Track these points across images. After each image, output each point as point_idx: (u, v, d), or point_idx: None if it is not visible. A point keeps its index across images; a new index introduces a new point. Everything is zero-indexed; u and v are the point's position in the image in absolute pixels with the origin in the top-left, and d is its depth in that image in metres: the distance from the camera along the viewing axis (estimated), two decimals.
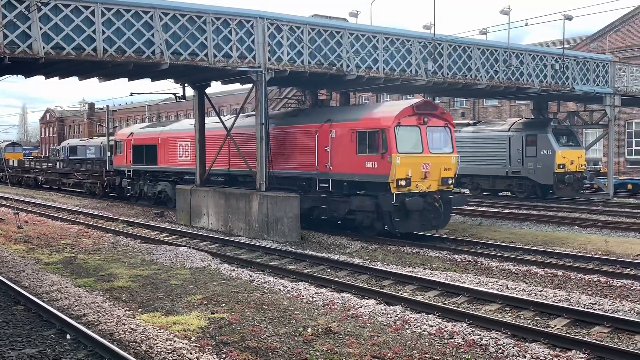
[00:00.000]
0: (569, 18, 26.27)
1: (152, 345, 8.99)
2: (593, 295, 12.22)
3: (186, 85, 23.83)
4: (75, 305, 11.37)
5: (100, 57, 17.22)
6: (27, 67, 18.20)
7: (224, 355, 8.64)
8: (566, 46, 31.62)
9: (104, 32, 17.17)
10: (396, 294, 12.10)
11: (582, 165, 30.92)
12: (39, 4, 15.97)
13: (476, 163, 32.19)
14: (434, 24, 23.81)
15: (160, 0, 18.26)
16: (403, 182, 18.09)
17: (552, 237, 19.31)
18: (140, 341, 9.18)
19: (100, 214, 27.46)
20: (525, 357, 8.48)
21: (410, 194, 18.14)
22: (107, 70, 19.64)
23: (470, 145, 32.80)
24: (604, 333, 9.67)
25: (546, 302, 11.21)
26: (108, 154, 55.43)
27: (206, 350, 8.84)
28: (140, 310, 11.14)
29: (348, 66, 21.48)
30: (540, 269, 14.65)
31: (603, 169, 40.23)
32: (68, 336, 9.49)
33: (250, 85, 21.43)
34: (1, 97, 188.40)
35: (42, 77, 21.37)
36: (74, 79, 21.58)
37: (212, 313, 10.75)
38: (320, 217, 20.92)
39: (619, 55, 40.99)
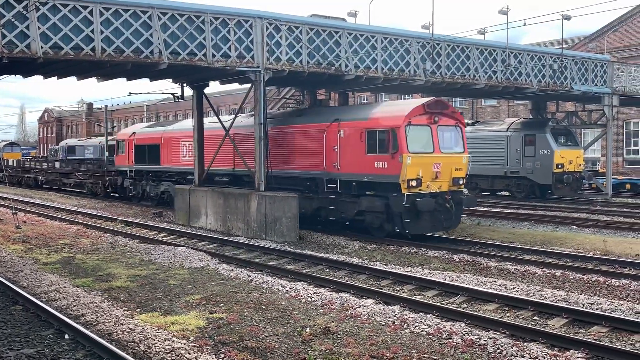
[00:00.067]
0: (568, 18, 26.30)
1: (150, 345, 8.99)
2: (591, 295, 12.23)
3: (185, 85, 23.81)
4: (74, 305, 11.36)
5: (99, 56, 17.21)
6: (25, 66, 18.19)
7: (222, 355, 8.63)
8: (565, 46, 31.65)
9: (102, 32, 17.16)
10: (395, 293, 12.10)
11: (580, 165, 30.95)
12: (37, 4, 15.95)
13: (475, 163, 32.13)
14: (433, 24, 23.84)
15: (158, 0, 18.25)
16: (414, 183, 17.82)
17: (551, 236, 19.32)
18: (138, 341, 9.18)
19: (98, 213, 27.45)
20: (523, 356, 8.48)
21: (421, 195, 17.86)
22: (105, 70, 19.64)
23: (469, 145, 32.70)
24: (603, 333, 9.68)
25: (545, 301, 11.22)
26: (106, 153, 55.40)
27: (204, 350, 8.84)
28: (138, 310, 11.14)
29: (347, 66, 21.48)
30: (538, 268, 14.66)
31: (601, 168, 40.28)
32: (66, 336, 9.48)
33: (248, 85, 21.43)
34: None
35: (40, 77, 21.36)
36: (73, 78, 21.59)
37: (211, 313, 10.75)
38: (328, 218, 20.67)
39: (618, 55, 41.05)
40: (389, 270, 14.20)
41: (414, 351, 8.75)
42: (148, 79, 22.59)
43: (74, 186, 41.83)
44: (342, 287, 12.68)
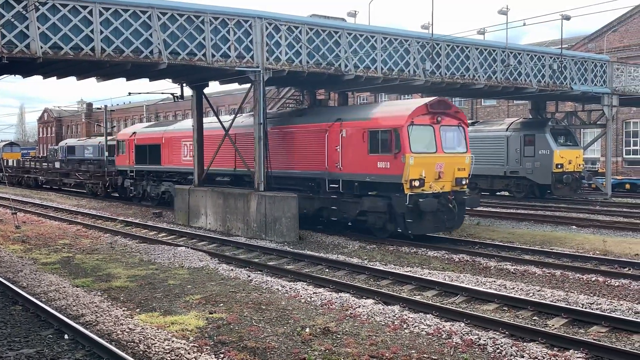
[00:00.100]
0: (567, 18, 26.31)
1: (150, 345, 8.99)
2: (591, 295, 12.23)
3: (184, 85, 23.80)
4: (73, 305, 11.36)
5: (98, 57, 17.21)
6: (24, 66, 18.19)
7: (222, 355, 8.64)
8: (564, 46, 31.65)
9: (102, 32, 17.16)
10: (394, 293, 12.10)
11: (580, 165, 30.96)
12: (37, 4, 15.96)
13: (474, 163, 32.13)
14: (432, 24, 23.85)
15: (158, 0, 18.25)
16: (417, 183, 17.71)
17: (550, 236, 19.32)
18: (138, 341, 9.18)
19: (98, 214, 27.45)
20: (523, 356, 8.48)
21: (424, 195, 17.76)
22: (105, 70, 19.64)
23: None
24: (602, 333, 9.68)
25: (544, 301, 11.23)
26: (106, 153, 55.40)
27: (204, 350, 8.84)
28: (138, 310, 11.14)
29: (346, 66, 21.48)
30: (538, 268, 14.66)
31: (601, 168, 40.29)
32: (66, 336, 9.48)
33: (248, 85, 21.43)
34: None
35: (40, 77, 21.36)
36: (72, 78, 21.58)
37: (210, 313, 10.75)
38: (330, 218, 20.54)
39: (617, 55, 41.08)
40: (389, 270, 14.21)
41: (413, 351, 8.76)
42: (148, 79, 22.59)
43: (74, 186, 41.70)
44: (341, 287, 12.68)
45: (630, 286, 12.89)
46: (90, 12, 17.00)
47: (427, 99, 19.19)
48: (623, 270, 14.31)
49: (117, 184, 35.01)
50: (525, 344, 8.95)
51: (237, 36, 19.42)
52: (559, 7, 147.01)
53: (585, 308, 10.93)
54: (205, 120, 25.07)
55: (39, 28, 16.29)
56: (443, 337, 9.39)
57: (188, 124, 28.76)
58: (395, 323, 10.08)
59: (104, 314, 10.72)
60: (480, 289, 12.27)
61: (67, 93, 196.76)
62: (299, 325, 9.97)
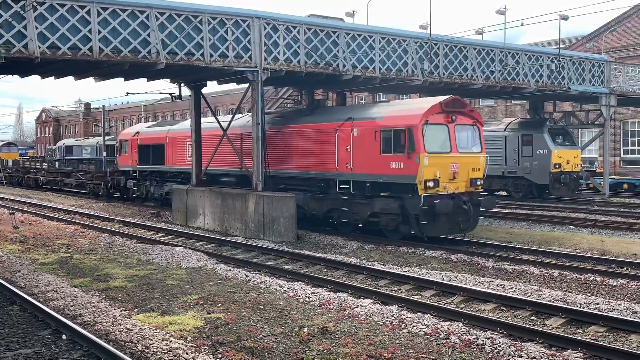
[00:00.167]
0: (565, 18, 26.34)
1: (148, 345, 8.98)
2: (589, 294, 12.24)
3: (182, 85, 23.80)
4: (71, 306, 11.35)
5: (96, 56, 17.20)
6: (22, 66, 18.17)
7: (220, 356, 8.63)
8: (562, 46, 31.68)
9: (99, 32, 17.15)
10: (392, 293, 12.10)
11: (578, 165, 30.98)
12: (35, 4, 15.94)
13: None
14: (430, 24, 23.90)
15: (156, 0, 18.24)
16: (431, 184, 17.26)
17: (548, 236, 19.34)
18: (136, 341, 9.17)
19: (96, 214, 27.42)
20: (521, 356, 8.49)
21: (439, 196, 17.32)
22: (102, 70, 19.63)
23: None
24: (600, 332, 9.69)
25: (542, 301, 11.23)
26: (104, 153, 55.38)
27: (202, 350, 8.83)
28: (136, 310, 11.13)
29: (344, 66, 21.49)
30: (536, 268, 14.67)
31: (599, 168, 40.32)
32: (64, 336, 9.47)
33: (246, 85, 21.42)
34: None
35: (37, 77, 21.34)
36: (70, 78, 21.58)
37: (208, 313, 10.74)
38: (340, 219, 20.09)
39: (615, 55, 41.13)
40: (387, 270, 14.21)
41: (411, 351, 8.76)
42: (146, 79, 22.58)
43: (75, 187, 41.21)
44: (339, 287, 12.69)
45: (628, 286, 12.91)
46: (88, 12, 17.00)
47: (441, 98, 18.65)
48: (621, 270, 14.32)
49: (119, 184, 34.53)
50: (523, 343, 8.96)
51: (235, 36, 19.42)
52: (556, 7, 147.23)
53: (583, 308, 10.93)
54: (211, 120, 24.86)
55: (36, 28, 16.28)
56: (441, 337, 9.40)
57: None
58: (394, 323, 10.08)
59: (102, 314, 10.71)
60: (478, 288, 12.27)
61: (65, 93, 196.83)
62: (297, 325, 9.97)
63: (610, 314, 10.40)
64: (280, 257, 16.56)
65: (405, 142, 17.58)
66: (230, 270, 14.59)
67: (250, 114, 23.81)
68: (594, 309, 10.91)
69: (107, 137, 57.84)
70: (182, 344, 9.00)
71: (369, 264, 15.20)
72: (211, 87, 26.89)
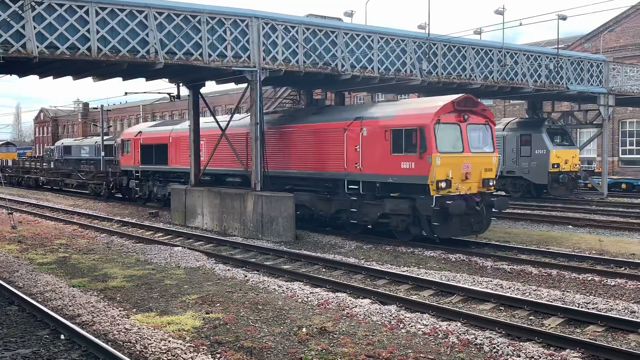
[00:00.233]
0: (563, 18, 26.37)
1: (146, 345, 8.98)
2: (587, 294, 12.25)
3: (181, 84, 23.79)
4: (70, 306, 11.35)
5: (95, 56, 17.18)
6: (21, 66, 18.15)
7: (218, 355, 8.63)
8: (560, 46, 31.70)
9: (98, 32, 17.14)
10: (391, 293, 12.11)
11: (576, 165, 31.02)
12: (33, 4, 15.93)
13: None
14: (429, 24, 23.88)
15: None
16: (443, 184, 16.89)
17: (547, 236, 19.35)
18: (134, 341, 9.16)
19: (94, 213, 27.40)
20: (519, 356, 8.49)
21: (451, 197, 16.98)
22: (101, 69, 19.62)
23: None
24: (598, 332, 9.70)
25: (540, 301, 11.24)
26: (102, 153, 55.35)
27: (201, 350, 8.83)
28: (134, 310, 11.12)
29: (343, 66, 21.49)
30: (534, 268, 14.68)
31: (597, 168, 40.35)
32: (62, 336, 9.47)
33: (245, 85, 21.42)
34: None
35: (36, 77, 21.33)
36: (68, 78, 21.58)
37: (207, 313, 10.74)
38: (349, 220, 19.76)
39: (613, 55, 41.15)
40: (386, 270, 14.21)
41: (410, 351, 8.76)
42: (144, 79, 22.56)
43: (76, 187, 40.87)
44: (338, 286, 12.69)
45: (626, 285, 12.92)
46: (87, 12, 16.99)
47: (453, 96, 18.30)
48: (619, 270, 14.33)
49: (121, 184, 34.17)
50: (521, 343, 8.97)
51: (233, 36, 19.42)
52: (555, 7, 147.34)
53: (582, 307, 10.94)
54: (219, 118, 24.63)
55: (35, 28, 16.27)
56: (439, 336, 9.40)
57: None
58: (392, 323, 10.08)
59: (101, 314, 10.71)
60: (477, 288, 12.28)
61: (64, 93, 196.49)
62: (296, 325, 9.97)
63: (609, 314, 10.41)
64: (279, 257, 16.56)
65: (417, 142, 17.25)
66: (228, 270, 14.59)
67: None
68: (592, 308, 10.92)
69: (105, 137, 57.83)
70: (181, 344, 9.00)
71: (368, 264, 15.20)
72: (210, 87, 26.93)
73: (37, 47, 16.32)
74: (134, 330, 9.66)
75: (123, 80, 22.49)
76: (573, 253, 16.43)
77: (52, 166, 56.10)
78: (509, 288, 12.51)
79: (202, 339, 9.34)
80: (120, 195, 35.11)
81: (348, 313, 10.67)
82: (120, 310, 11.02)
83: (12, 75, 20.70)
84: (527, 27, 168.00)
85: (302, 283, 13.16)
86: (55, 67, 19.17)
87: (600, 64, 30.87)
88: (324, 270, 14.86)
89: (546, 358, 8.43)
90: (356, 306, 11.04)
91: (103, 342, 8.91)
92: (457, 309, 10.83)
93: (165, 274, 14.19)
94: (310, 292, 12.14)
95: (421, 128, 17.19)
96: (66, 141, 76.03)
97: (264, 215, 19.63)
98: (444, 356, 8.60)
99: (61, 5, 16.66)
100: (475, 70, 25.03)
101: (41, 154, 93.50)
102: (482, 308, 11.20)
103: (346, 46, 21.56)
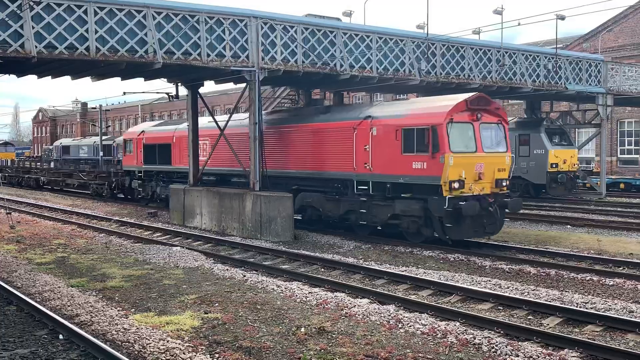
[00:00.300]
0: (562, 18, 26.39)
1: (145, 345, 8.97)
2: (585, 294, 12.27)
3: (179, 84, 23.77)
4: (68, 306, 11.34)
5: (93, 56, 17.17)
6: (19, 66, 18.14)
7: (217, 355, 8.63)
8: (559, 46, 31.72)
9: (96, 32, 17.13)
10: (390, 293, 12.12)
11: (574, 165, 31.05)
12: (31, 3, 15.92)
13: None
14: (427, 24, 23.88)
15: None
16: (456, 185, 16.51)
17: (545, 236, 19.37)
18: (133, 341, 9.16)
19: (93, 213, 27.39)
20: (518, 355, 8.50)
21: (464, 197, 16.59)
22: (99, 69, 19.61)
23: None
24: (597, 332, 9.71)
25: (539, 301, 11.24)
26: (101, 153, 55.31)
27: (199, 350, 8.83)
28: (133, 310, 11.12)
29: (341, 66, 21.49)
30: (533, 268, 14.69)
31: (595, 168, 40.38)
32: (61, 336, 9.46)
33: (243, 85, 21.41)
34: None
35: (34, 77, 21.30)
36: (67, 78, 21.55)
37: (206, 313, 10.74)
38: (358, 222, 19.45)
39: (612, 55, 41.17)
40: (384, 269, 14.21)
41: (408, 350, 8.76)
42: (143, 79, 22.55)
43: (78, 187, 40.55)
44: (337, 286, 12.69)
45: (624, 285, 12.93)
46: (85, 12, 16.98)
47: (466, 95, 17.94)
48: (617, 270, 14.35)
49: (123, 184, 33.84)
50: (520, 343, 8.97)
51: (232, 36, 19.41)
52: (553, 7, 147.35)
53: (580, 307, 10.95)
54: (221, 118, 24.50)
55: (33, 27, 16.25)
56: (438, 336, 9.40)
57: (203, 121, 26.64)
58: (391, 322, 10.09)
59: (99, 314, 10.70)
60: (475, 288, 12.28)
61: (62, 93, 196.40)
62: (294, 325, 9.97)
63: (607, 314, 10.42)
64: (278, 256, 16.56)
65: (429, 142, 16.85)
66: (227, 270, 14.59)
67: (264, 111, 23.56)
68: (591, 308, 10.93)
69: (104, 137, 57.80)
70: (179, 344, 8.99)
71: (366, 264, 15.20)
72: (208, 87, 26.91)
73: (36, 46, 16.30)
74: (132, 330, 9.66)
75: (122, 80, 22.48)
76: (571, 253, 16.45)
77: (52, 166, 55.94)
78: (508, 288, 12.52)
79: (200, 338, 9.34)
80: (123, 196, 34.83)
81: (347, 313, 10.67)
82: (118, 310, 11.01)
83: (11, 75, 20.68)
84: (526, 27, 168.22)
85: (300, 283, 13.16)
86: (54, 66, 19.16)
87: (599, 63, 30.89)
88: (322, 270, 14.86)
89: (544, 358, 8.44)
90: (355, 306, 11.05)
91: (102, 342, 8.91)
92: (456, 309, 10.84)
93: (163, 274, 14.18)
94: (309, 292, 12.14)
95: (434, 127, 16.79)
96: (65, 141, 75.98)
97: (262, 215, 19.62)
98: (442, 356, 8.60)
99: (59, 5, 16.65)
100: (474, 70, 25.04)
101: (40, 154, 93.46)
102: (480, 308, 11.21)
103: (345, 46, 21.57)
